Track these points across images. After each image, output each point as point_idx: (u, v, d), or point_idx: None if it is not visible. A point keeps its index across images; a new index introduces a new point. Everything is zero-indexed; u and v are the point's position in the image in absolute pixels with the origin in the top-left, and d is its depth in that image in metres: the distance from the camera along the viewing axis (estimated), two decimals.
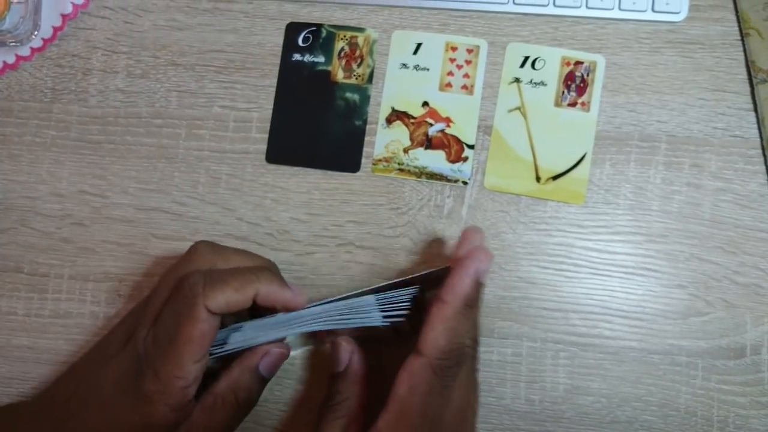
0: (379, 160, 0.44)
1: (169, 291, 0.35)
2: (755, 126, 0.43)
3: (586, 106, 0.43)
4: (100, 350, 0.38)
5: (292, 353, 0.40)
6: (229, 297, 0.34)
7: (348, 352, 0.37)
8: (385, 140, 0.44)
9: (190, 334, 0.33)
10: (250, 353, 0.37)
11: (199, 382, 0.35)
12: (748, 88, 0.43)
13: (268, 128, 0.45)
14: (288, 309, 0.36)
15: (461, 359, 0.33)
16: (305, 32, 0.45)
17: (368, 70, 0.45)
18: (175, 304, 0.34)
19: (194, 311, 0.33)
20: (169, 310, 0.34)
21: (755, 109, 0.43)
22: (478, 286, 0.34)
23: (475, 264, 0.34)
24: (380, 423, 0.32)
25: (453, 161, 0.44)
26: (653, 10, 0.43)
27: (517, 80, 0.44)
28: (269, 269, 0.37)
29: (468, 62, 0.44)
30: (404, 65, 0.45)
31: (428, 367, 0.32)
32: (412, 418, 0.32)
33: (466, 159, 0.44)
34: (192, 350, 0.33)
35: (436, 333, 0.33)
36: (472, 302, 0.34)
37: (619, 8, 0.43)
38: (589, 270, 0.43)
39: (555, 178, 0.43)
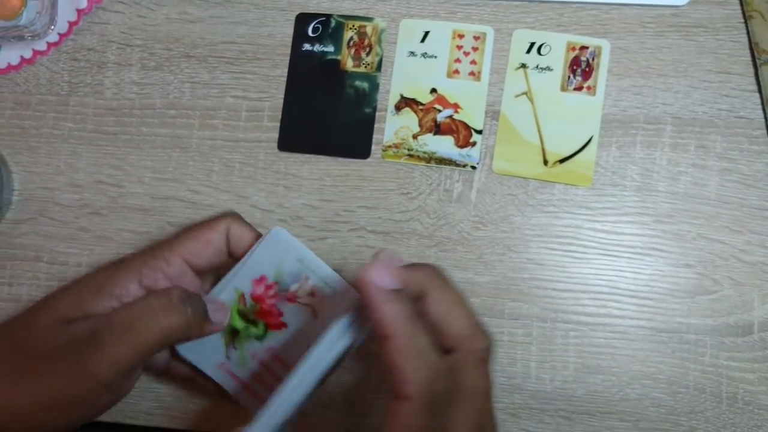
0: (389, 147, 0.45)
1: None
2: (759, 107, 0.43)
3: (591, 90, 0.44)
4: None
5: None
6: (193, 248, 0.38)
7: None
8: (394, 127, 0.45)
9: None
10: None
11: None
12: (751, 70, 0.44)
13: (280, 117, 0.46)
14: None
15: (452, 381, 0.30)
16: (315, 23, 0.46)
17: (377, 59, 0.46)
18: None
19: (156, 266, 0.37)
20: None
21: (759, 90, 0.43)
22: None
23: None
24: None
25: (461, 146, 0.44)
26: None
27: (523, 66, 0.45)
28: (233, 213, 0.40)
29: (475, 49, 0.45)
30: (412, 53, 0.46)
31: (421, 408, 0.29)
32: None
33: (474, 144, 0.44)
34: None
35: (409, 367, 0.29)
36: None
37: None
38: (597, 251, 0.43)
39: (562, 161, 0.44)
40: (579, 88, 0.44)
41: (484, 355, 0.31)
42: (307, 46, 0.46)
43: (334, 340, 0.33)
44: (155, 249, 0.38)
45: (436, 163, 0.44)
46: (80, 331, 0.34)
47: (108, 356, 0.33)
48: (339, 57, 0.46)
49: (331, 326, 0.33)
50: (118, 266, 0.37)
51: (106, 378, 0.33)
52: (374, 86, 0.45)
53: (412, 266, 0.32)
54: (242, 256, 0.39)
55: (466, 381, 0.30)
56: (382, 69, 0.45)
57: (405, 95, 0.45)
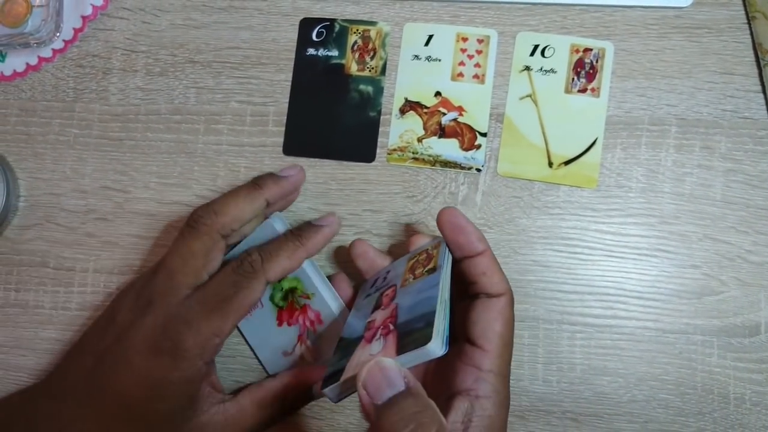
0: (394, 150, 0.45)
1: (198, 257, 0.37)
2: (764, 107, 0.43)
3: (596, 92, 0.44)
4: (110, 321, 0.39)
5: None
6: (284, 266, 0.37)
7: (400, 372, 0.31)
8: (399, 130, 0.45)
9: (244, 303, 0.36)
10: (310, 369, 0.39)
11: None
12: (755, 71, 0.44)
13: (285, 121, 0.46)
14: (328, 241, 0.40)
15: None
16: (319, 27, 0.46)
17: (381, 63, 0.46)
18: (234, 276, 0.36)
19: (255, 284, 0.36)
20: (225, 278, 0.37)
21: (763, 91, 0.43)
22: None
23: None
24: (485, 363, 0.34)
25: (466, 149, 0.45)
26: None
27: (527, 68, 0.45)
28: (306, 226, 0.40)
29: (479, 52, 0.45)
30: (416, 56, 0.46)
31: (510, 302, 0.36)
32: (507, 348, 0.35)
33: (479, 147, 0.44)
34: (240, 315, 0.36)
35: (500, 274, 0.36)
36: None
37: None
38: (603, 252, 0.43)
39: (567, 163, 0.44)
40: (583, 90, 0.44)
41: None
42: (311, 51, 0.46)
43: (447, 260, 0.36)
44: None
45: (441, 166, 0.45)
46: None
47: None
48: (343, 61, 0.46)
49: (441, 252, 0.37)
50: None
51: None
52: (379, 90, 0.45)
53: (471, 231, 0.38)
54: None
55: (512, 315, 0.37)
56: (387, 73, 0.46)
57: (409, 98, 0.45)
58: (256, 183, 0.40)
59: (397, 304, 0.34)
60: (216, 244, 0.38)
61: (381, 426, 0.29)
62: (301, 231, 0.39)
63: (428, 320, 0.31)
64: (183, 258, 0.37)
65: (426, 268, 0.36)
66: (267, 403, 0.38)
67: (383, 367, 0.30)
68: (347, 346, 0.34)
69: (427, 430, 0.28)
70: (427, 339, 0.29)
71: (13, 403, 0.41)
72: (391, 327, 0.33)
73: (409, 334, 0.31)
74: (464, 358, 0.35)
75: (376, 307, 0.36)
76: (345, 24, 0.46)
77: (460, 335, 0.36)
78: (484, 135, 0.45)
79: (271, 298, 0.41)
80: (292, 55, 0.46)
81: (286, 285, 0.41)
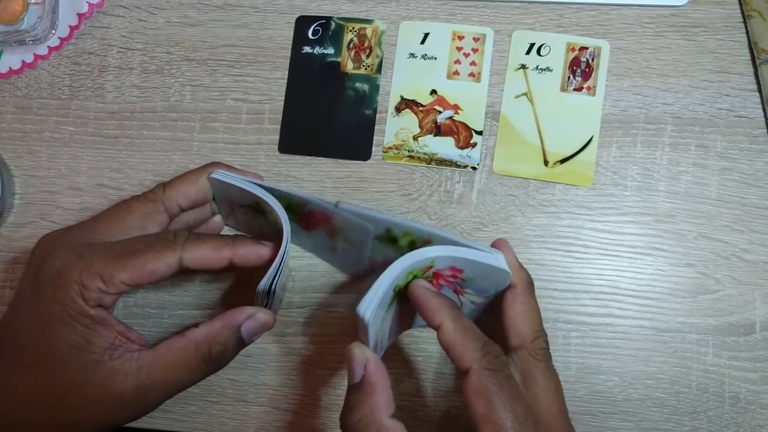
0: (390, 148, 0.45)
1: (133, 213, 0.37)
2: (759, 106, 0.43)
3: (591, 90, 0.44)
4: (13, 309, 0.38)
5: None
6: (204, 254, 0.36)
7: (361, 363, 0.33)
8: (394, 128, 0.45)
9: (148, 265, 0.35)
10: (235, 311, 0.37)
11: (115, 301, 0.36)
12: (751, 69, 0.44)
13: (280, 119, 0.46)
14: (261, 263, 0.37)
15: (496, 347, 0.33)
16: (315, 25, 0.46)
17: (377, 61, 0.46)
18: (153, 238, 0.36)
19: (168, 255, 0.35)
20: (143, 237, 0.36)
21: (759, 90, 0.43)
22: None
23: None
24: None
25: (462, 147, 0.45)
26: None
27: (523, 67, 0.45)
28: (245, 236, 0.39)
29: (475, 50, 0.45)
30: (412, 55, 0.46)
31: (483, 371, 0.31)
32: (509, 424, 0.30)
33: (474, 145, 0.44)
34: (138, 275, 0.34)
35: (463, 346, 0.32)
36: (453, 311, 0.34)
37: None
38: (598, 251, 0.43)
39: (563, 161, 0.44)
40: (579, 89, 0.44)
41: (547, 351, 0.35)
42: (307, 49, 0.46)
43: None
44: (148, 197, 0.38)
45: (437, 164, 0.45)
46: None
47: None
48: (339, 59, 0.46)
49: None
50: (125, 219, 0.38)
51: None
52: (374, 88, 0.45)
53: (517, 264, 0.36)
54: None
55: (539, 373, 0.34)
56: (383, 71, 0.46)
57: (405, 97, 0.45)
58: (208, 164, 0.40)
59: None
60: (156, 212, 0.38)
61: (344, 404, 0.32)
62: (239, 238, 0.38)
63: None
64: (116, 209, 0.38)
65: None
66: (189, 351, 0.35)
67: (348, 356, 0.32)
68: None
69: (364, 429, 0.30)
70: None
71: None
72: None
73: None
74: None
75: None
76: (341, 22, 0.46)
77: None
78: (479, 133, 0.45)
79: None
80: (288, 53, 0.46)
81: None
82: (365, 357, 0.32)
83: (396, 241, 0.37)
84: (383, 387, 0.32)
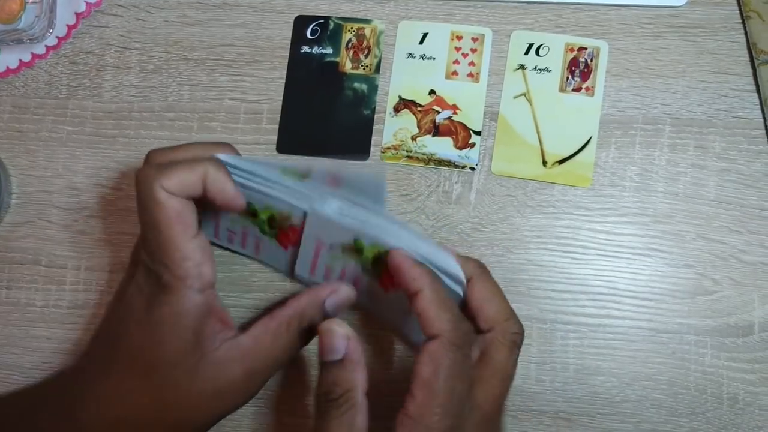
0: (388, 148, 0.45)
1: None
2: (758, 107, 0.43)
3: (590, 90, 0.44)
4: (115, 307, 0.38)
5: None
6: (181, 175, 0.34)
7: (343, 339, 0.33)
8: (393, 128, 0.45)
9: (162, 217, 0.34)
10: (318, 287, 0.37)
11: (212, 262, 0.36)
12: (750, 70, 0.44)
13: (279, 119, 0.46)
14: (227, 206, 0.36)
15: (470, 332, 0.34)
16: (313, 25, 0.46)
17: (375, 61, 0.46)
18: (138, 202, 0.35)
19: (153, 195, 0.34)
20: (139, 212, 0.35)
21: (757, 91, 0.43)
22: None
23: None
24: (410, 409, 0.31)
25: (460, 147, 0.44)
26: None
27: (522, 67, 0.45)
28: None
29: (473, 50, 0.45)
30: (411, 55, 0.46)
31: (447, 343, 0.32)
32: (441, 398, 0.31)
33: (473, 145, 0.44)
34: (177, 230, 0.34)
35: (437, 311, 0.33)
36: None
37: None
38: (596, 252, 0.43)
39: (561, 162, 0.44)
40: (577, 89, 0.44)
41: (516, 339, 0.35)
42: (305, 49, 0.46)
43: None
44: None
45: (435, 164, 0.44)
46: None
47: None
48: (337, 59, 0.46)
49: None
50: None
51: None
52: (373, 88, 0.45)
53: (461, 257, 0.37)
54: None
55: (498, 356, 0.34)
56: (381, 71, 0.46)
57: (404, 97, 0.45)
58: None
59: None
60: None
61: (318, 383, 0.33)
62: (211, 159, 0.36)
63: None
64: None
65: None
66: (282, 330, 0.36)
67: (328, 332, 0.33)
68: None
69: (339, 407, 0.32)
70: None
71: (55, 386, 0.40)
72: None
73: None
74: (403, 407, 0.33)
75: None
76: (339, 22, 0.46)
77: None
78: (478, 133, 0.44)
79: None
80: (287, 53, 0.46)
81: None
82: (347, 333, 0.33)
83: (361, 252, 0.37)
84: (364, 364, 0.33)
